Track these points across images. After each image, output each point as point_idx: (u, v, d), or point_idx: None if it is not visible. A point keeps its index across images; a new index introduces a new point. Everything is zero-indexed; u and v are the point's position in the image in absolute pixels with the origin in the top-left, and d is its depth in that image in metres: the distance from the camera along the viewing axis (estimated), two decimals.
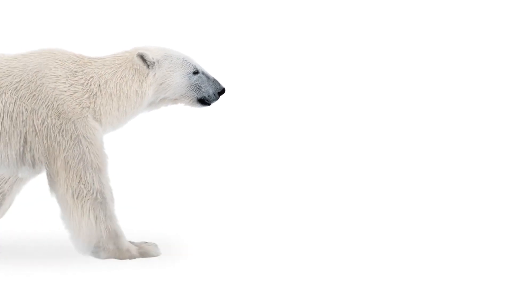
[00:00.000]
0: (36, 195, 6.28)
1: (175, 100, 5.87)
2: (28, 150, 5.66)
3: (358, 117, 8.80)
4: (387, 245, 6.06)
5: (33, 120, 5.62)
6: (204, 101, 5.87)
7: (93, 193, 5.64)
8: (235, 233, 6.41)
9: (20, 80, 5.65)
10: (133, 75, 5.76)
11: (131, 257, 5.70)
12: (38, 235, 6.37)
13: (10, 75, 5.67)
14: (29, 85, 5.64)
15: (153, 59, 5.76)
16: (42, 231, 6.44)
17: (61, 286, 5.28)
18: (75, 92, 5.67)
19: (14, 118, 5.63)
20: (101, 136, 5.72)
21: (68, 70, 5.69)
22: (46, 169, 5.69)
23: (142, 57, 5.76)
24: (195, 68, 5.84)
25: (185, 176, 7.92)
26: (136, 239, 5.91)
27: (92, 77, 5.72)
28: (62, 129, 5.62)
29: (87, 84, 5.70)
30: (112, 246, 5.70)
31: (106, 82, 5.72)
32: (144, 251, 5.76)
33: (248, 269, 5.54)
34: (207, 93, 5.85)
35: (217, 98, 5.88)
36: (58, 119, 5.61)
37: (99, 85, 5.72)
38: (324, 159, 8.28)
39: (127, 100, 5.74)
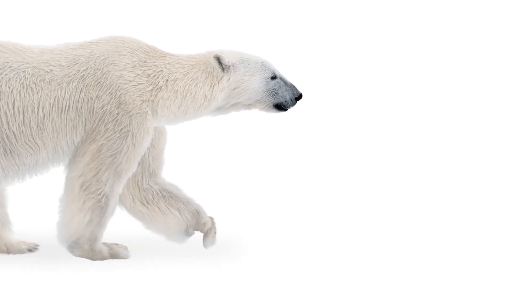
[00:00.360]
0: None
1: (249, 106, 5.76)
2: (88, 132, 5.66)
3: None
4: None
5: (94, 105, 5.59)
6: (280, 107, 5.77)
7: (100, 194, 5.62)
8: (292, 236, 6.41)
9: (87, 68, 5.62)
10: (206, 78, 5.68)
11: (103, 258, 5.75)
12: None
13: (77, 64, 5.64)
14: (96, 72, 5.61)
15: (228, 62, 5.67)
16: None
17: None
18: (139, 84, 5.62)
19: (79, 106, 5.61)
20: (147, 143, 5.67)
21: (137, 59, 5.65)
22: (79, 145, 5.64)
23: (218, 60, 5.67)
24: (273, 73, 5.74)
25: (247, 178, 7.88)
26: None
27: (161, 70, 5.67)
28: (117, 119, 5.59)
29: (154, 76, 5.65)
30: (87, 247, 5.74)
31: (176, 80, 5.66)
32: (114, 253, 5.80)
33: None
34: (284, 99, 5.76)
35: (294, 104, 5.77)
36: (117, 108, 5.59)
37: (167, 80, 5.66)
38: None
39: (192, 101, 5.67)
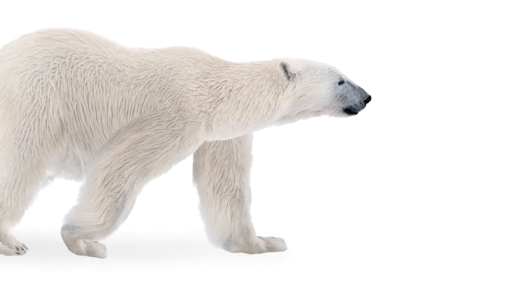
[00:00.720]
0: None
1: (317, 112, 5.74)
2: None
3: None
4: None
5: (156, 107, 5.64)
6: (350, 111, 5.76)
7: (118, 191, 5.60)
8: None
9: (154, 75, 5.69)
10: (270, 86, 5.66)
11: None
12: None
13: (146, 69, 5.71)
14: (161, 80, 5.68)
15: (294, 70, 5.65)
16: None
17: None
18: (201, 94, 5.66)
19: (143, 110, 5.66)
20: (191, 151, 5.69)
21: (201, 71, 5.69)
22: (120, 131, 5.66)
23: (284, 68, 5.65)
24: (340, 78, 5.73)
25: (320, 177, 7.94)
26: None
27: (225, 81, 5.69)
28: (172, 121, 5.62)
29: (217, 87, 5.67)
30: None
31: (241, 88, 5.66)
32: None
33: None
34: (353, 102, 5.74)
35: (363, 107, 5.76)
36: (176, 112, 5.63)
37: (230, 90, 5.66)
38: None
39: (254, 111, 5.65)
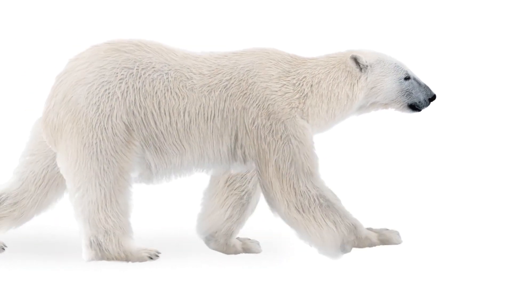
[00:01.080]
0: None
1: (385, 105, 5.92)
2: (239, 147, 5.76)
3: None
4: None
5: (243, 118, 5.71)
6: (414, 107, 5.92)
7: (314, 201, 5.68)
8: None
9: (230, 78, 5.75)
10: (346, 77, 5.83)
11: (371, 244, 5.80)
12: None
13: (219, 73, 5.76)
14: (240, 83, 5.74)
15: (366, 62, 5.83)
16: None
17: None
18: (286, 93, 5.75)
19: (225, 116, 5.73)
20: (311, 136, 5.77)
21: (281, 70, 5.79)
22: (260, 180, 5.71)
23: (355, 60, 5.81)
24: (406, 73, 5.89)
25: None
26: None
27: (304, 77, 5.81)
28: (272, 129, 5.71)
29: (299, 84, 5.78)
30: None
31: (319, 82, 5.80)
32: (385, 238, 5.84)
33: None
34: (418, 99, 5.91)
35: (427, 104, 5.91)
36: (268, 119, 5.70)
37: (311, 85, 5.80)
38: None
39: (337, 102, 5.81)
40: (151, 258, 5.81)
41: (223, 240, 5.97)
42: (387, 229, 5.90)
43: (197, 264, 5.75)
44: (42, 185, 5.84)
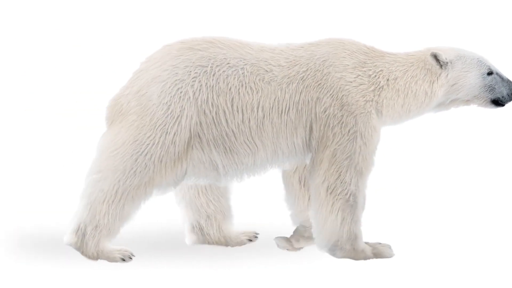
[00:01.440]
0: None
1: (467, 102, 5.82)
2: (314, 138, 5.67)
3: None
4: None
5: (315, 108, 5.63)
6: (498, 102, 5.81)
7: (346, 194, 5.65)
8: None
9: (306, 70, 5.65)
10: (425, 75, 5.74)
11: (366, 257, 5.74)
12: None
13: (297, 65, 5.66)
14: (316, 74, 5.64)
15: (446, 59, 5.74)
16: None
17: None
18: (361, 84, 5.66)
19: (299, 107, 5.63)
20: (378, 139, 5.71)
21: (357, 61, 5.70)
22: (312, 154, 5.68)
23: (435, 57, 5.73)
24: (489, 68, 5.79)
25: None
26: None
27: (381, 70, 5.72)
28: (342, 121, 5.62)
29: (375, 76, 5.69)
30: (349, 247, 5.75)
31: (396, 78, 5.71)
32: (377, 252, 5.78)
33: None
34: (501, 94, 5.79)
35: (511, 99, 5.82)
36: (340, 110, 5.62)
37: (388, 79, 5.71)
38: None
39: (414, 98, 5.72)
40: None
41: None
42: (379, 243, 5.86)
43: (197, 264, 5.67)
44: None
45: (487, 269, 5.61)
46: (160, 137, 5.53)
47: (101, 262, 5.62)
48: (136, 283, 5.35)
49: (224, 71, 5.61)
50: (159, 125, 5.54)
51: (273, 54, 5.68)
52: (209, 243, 5.91)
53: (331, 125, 5.62)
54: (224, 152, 5.63)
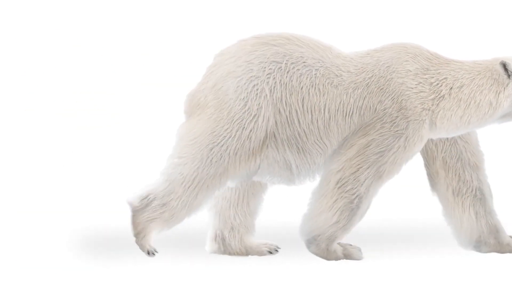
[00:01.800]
0: None
1: None
2: (361, 123, 5.68)
3: None
4: None
5: (376, 108, 5.64)
6: None
7: (353, 194, 5.61)
8: None
9: (372, 76, 5.65)
10: (491, 85, 5.63)
11: (336, 258, 5.69)
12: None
13: (363, 72, 5.66)
14: (379, 80, 5.64)
15: None
16: None
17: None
18: (421, 92, 5.62)
19: (362, 113, 5.63)
20: (418, 150, 5.67)
21: (419, 66, 5.66)
22: (347, 136, 5.66)
23: (504, 66, 5.64)
24: None
25: None
26: None
27: (445, 78, 5.65)
28: (395, 121, 5.60)
29: (437, 84, 5.64)
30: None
31: (461, 86, 5.64)
32: (347, 253, 5.73)
33: None
34: None
35: None
36: (397, 112, 5.61)
37: (451, 88, 5.64)
38: None
39: (476, 109, 5.63)
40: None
41: (493, 239, 5.82)
42: (350, 245, 5.78)
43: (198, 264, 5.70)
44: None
45: (487, 269, 5.60)
46: (236, 131, 5.56)
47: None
48: (152, 278, 5.33)
49: (298, 69, 5.61)
50: (236, 120, 5.56)
51: (344, 61, 5.69)
52: (229, 253, 5.86)
53: (383, 120, 5.60)
54: (297, 152, 5.65)
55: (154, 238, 5.64)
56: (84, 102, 8.12)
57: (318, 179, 5.73)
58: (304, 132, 5.64)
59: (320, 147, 5.66)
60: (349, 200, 5.61)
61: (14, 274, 5.40)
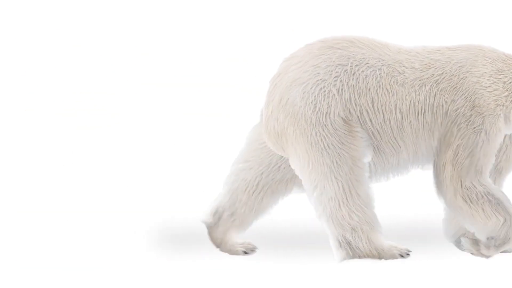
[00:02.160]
0: None
1: None
2: (440, 135, 5.68)
3: None
4: None
5: (449, 108, 5.62)
6: None
7: (482, 197, 5.62)
8: None
9: (442, 73, 5.63)
10: None
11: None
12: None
13: (431, 68, 5.64)
14: (451, 78, 5.62)
15: None
16: None
17: None
18: (495, 90, 5.62)
19: (434, 111, 5.62)
20: (500, 141, 5.67)
21: (495, 69, 5.65)
22: (435, 160, 5.65)
23: None
24: None
25: None
26: None
27: None
28: (469, 120, 5.60)
29: (510, 82, 5.65)
30: (472, 241, 5.75)
31: None
32: None
33: None
34: None
35: None
36: (470, 110, 5.60)
37: None
38: None
39: None
40: (402, 256, 5.72)
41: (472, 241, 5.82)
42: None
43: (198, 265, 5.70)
44: (256, 192, 5.74)
45: (487, 269, 5.61)
46: (323, 130, 5.54)
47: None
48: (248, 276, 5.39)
49: (363, 71, 5.61)
50: (315, 122, 5.52)
51: (408, 56, 5.67)
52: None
53: (457, 122, 5.59)
54: (374, 151, 5.66)
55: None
56: (84, 102, 8.13)
57: (392, 179, 5.76)
58: (378, 131, 5.63)
59: (393, 147, 5.67)
60: (487, 201, 5.62)
61: (13, 273, 5.43)
